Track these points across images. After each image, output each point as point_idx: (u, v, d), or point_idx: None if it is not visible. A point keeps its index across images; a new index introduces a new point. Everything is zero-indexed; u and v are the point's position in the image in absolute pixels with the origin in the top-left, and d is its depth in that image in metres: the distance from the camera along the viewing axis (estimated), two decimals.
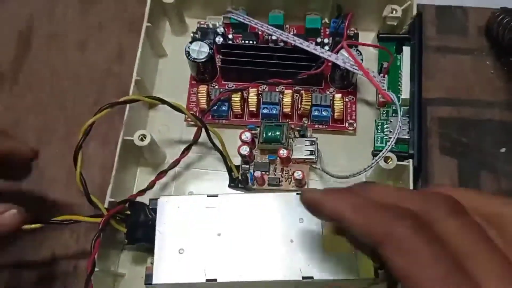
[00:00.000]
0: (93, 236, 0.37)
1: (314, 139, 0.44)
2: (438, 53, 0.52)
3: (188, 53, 0.46)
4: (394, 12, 0.48)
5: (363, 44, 0.48)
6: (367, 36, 0.51)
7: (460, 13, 0.54)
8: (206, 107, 0.47)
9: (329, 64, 0.47)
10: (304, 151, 0.44)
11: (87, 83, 0.52)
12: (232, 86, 0.49)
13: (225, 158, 0.45)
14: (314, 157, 0.43)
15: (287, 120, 0.47)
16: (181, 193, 0.46)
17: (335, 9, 0.49)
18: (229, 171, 0.45)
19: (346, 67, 0.45)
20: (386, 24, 0.49)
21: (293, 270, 0.34)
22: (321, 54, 0.45)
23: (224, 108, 0.48)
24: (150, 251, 0.36)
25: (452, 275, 0.22)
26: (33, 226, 0.38)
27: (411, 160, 0.44)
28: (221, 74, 0.50)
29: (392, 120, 0.46)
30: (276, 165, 0.45)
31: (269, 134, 0.44)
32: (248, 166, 0.45)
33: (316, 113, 0.47)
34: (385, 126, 0.47)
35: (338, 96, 0.47)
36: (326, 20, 0.51)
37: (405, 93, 0.46)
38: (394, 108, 0.47)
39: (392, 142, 0.42)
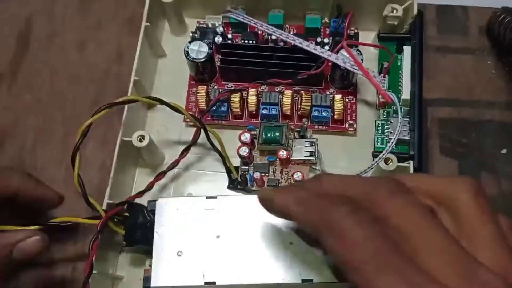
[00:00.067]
0: (91, 238, 0.37)
1: (314, 140, 0.44)
2: (438, 53, 0.52)
3: (187, 53, 0.46)
4: (394, 11, 0.48)
5: (363, 44, 0.47)
6: (368, 36, 0.51)
7: (461, 12, 0.53)
8: (205, 107, 0.47)
9: (329, 64, 0.47)
10: (304, 152, 0.43)
11: (86, 83, 0.52)
12: (232, 86, 0.49)
13: (224, 159, 0.45)
14: (314, 158, 0.43)
15: (287, 120, 0.47)
16: (180, 195, 0.46)
17: (335, 8, 0.49)
18: (228, 172, 0.45)
19: (346, 67, 0.45)
20: (386, 23, 0.49)
21: (292, 273, 0.34)
22: (321, 54, 0.45)
23: (223, 108, 0.47)
24: (149, 253, 0.36)
25: (384, 254, 0.22)
26: (31, 228, 0.38)
27: (411, 162, 0.43)
28: (221, 74, 0.49)
29: (392, 121, 0.46)
30: (275, 166, 0.44)
31: (269, 135, 0.44)
32: (247, 167, 0.45)
33: (316, 113, 0.47)
34: (386, 127, 0.46)
35: (338, 96, 0.47)
36: (326, 19, 0.50)
37: (406, 94, 0.46)
38: (394, 108, 0.46)
39: (392, 143, 0.42)
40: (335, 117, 0.47)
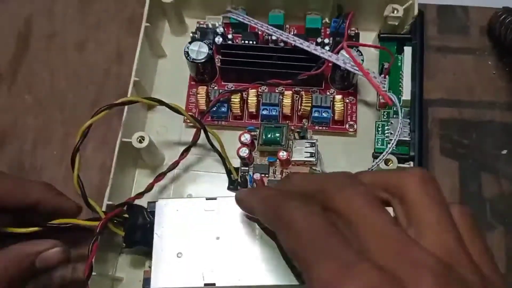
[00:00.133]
0: (91, 240, 0.37)
1: (314, 141, 0.44)
2: (439, 53, 0.51)
3: (187, 54, 0.46)
4: (395, 11, 0.48)
5: (364, 45, 0.47)
6: (368, 36, 0.51)
7: (461, 12, 0.53)
8: (205, 108, 0.47)
9: (330, 64, 0.47)
10: (304, 153, 0.43)
11: (86, 83, 0.52)
12: (232, 87, 0.49)
13: (224, 160, 0.45)
14: (314, 159, 0.43)
15: (287, 121, 0.47)
16: (179, 196, 0.46)
17: (335, 9, 0.49)
18: (228, 173, 0.45)
19: (346, 67, 0.44)
20: (387, 24, 0.49)
21: (292, 275, 0.34)
22: (321, 55, 0.45)
23: (223, 109, 0.47)
24: (148, 254, 0.36)
25: (323, 240, 0.24)
26: (30, 229, 0.38)
27: (411, 162, 0.43)
28: (221, 74, 0.49)
29: (393, 122, 0.46)
30: (275, 167, 0.44)
31: (269, 135, 0.43)
32: (247, 168, 0.44)
33: (316, 114, 0.47)
34: (386, 127, 0.46)
35: (338, 97, 0.47)
36: (327, 20, 0.50)
37: (406, 94, 0.46)
38: (395, 109, 0.46)
39: (393, 144, 0.42)
40: (336, 118, 0.47)
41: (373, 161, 0.42)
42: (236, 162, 0.45)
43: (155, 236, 0.36)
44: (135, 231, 0.38)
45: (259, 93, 0.47)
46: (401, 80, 0.47)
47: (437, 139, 0.48)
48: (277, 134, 0.43)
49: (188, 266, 0.35)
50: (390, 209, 0.25)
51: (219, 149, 0.45)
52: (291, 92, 0.47)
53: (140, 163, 0.47)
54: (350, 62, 0.44)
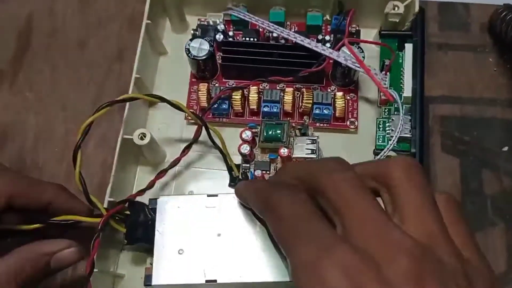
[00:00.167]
0: (93, 236, 0.37)
1: (315, 138, 0.44)
2: (440, 50, 0.51)
3: (188, 51, 0.46)
4: (396, 8, 0.48)
5: (365, 42, 0.47)
6: (369, 33, 0.51)
7: (462, 9, 0.53)
8: (206, 105, 0.47)
9: (331, 61, 0.47)
10: (305, 149, 0.43)
11: (87, 80, 0.52)
12: (233, 84, 0.49)
13: (225, 157, 0.45)
14: (315, 156, 0.43)
15: (288, 118, 0.47)
16: (181, 193, 0.46)
17: (336, 5, 0.49)
18: (230, 170, 0.45)
19: (347, 64, 0.44)
20: (388, 21, 0.48)
21: None
22: (322, 52, 0.45)
23: (224, 106, 0.47)
24: (150, 251, 0.36)
25: (304, 224, 0.25)
26: (32, 226, 0.38)
27: None
28: (222, 71, 0.49)
29: (394, 119, 0.46)
30: (277, 164, 0.44)
31: (270, 132, 0.44)
32: (248, 165, 0.45)
33: (317, 111, 0.47)
34: (387, 124, 0.46)
35: (339, 94, 0.47)
36: (328, 17, 0.50)
37: (407, 91, 0.46)
38: (396, 106, 0.46)
39: (394, 140, 0.42)
40: (337, 114, 0.47)
41: (374, 158, 0.42)
42: (237, 159, 0.45)
43: (156, 233, 0.36)
44: (137, 228, 0.38)
45: (260, 90, 0.47)
46: (402, 77, 0.47)
47: (438, 136, 0.48)
48: (278, 131, 0.43)
49: (190, 262, 0.35)
50: (381, 201, 0.26)
51: (220, 146, 0.45)
52: (292, 89, 0.47)
53: (141, 160, 0.47)
54: (351, 59, 0.44)
